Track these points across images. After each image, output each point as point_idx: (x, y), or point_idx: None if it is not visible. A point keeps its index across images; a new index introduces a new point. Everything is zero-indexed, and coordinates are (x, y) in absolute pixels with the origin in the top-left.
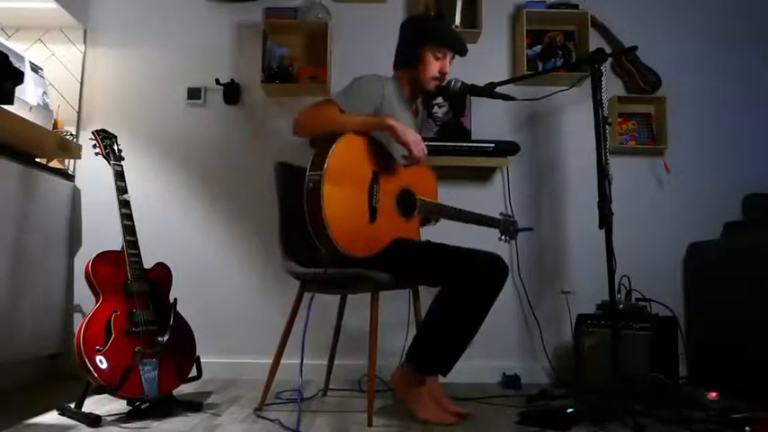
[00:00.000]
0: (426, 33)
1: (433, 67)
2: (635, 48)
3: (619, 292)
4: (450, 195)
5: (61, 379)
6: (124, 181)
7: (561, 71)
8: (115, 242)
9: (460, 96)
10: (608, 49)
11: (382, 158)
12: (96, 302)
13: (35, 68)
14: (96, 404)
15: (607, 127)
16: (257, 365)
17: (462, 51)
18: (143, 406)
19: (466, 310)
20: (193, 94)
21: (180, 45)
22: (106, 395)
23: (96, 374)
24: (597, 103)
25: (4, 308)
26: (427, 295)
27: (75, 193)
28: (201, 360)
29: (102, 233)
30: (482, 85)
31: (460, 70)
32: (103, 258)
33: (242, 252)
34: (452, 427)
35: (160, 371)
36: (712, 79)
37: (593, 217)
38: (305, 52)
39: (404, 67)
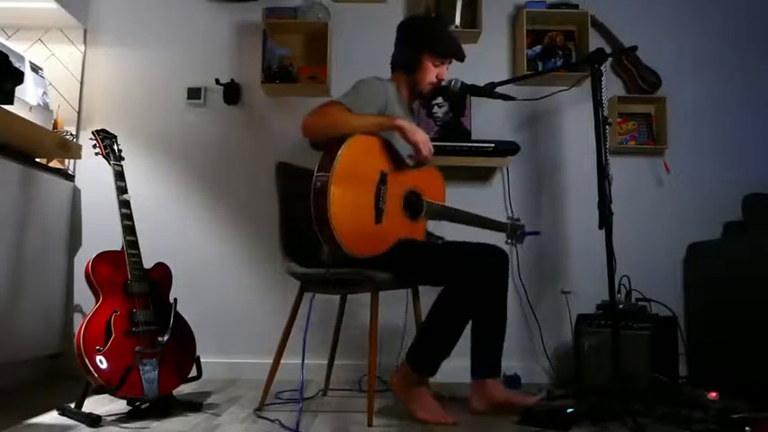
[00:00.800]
0: (425, 40)
1: (432, 74)
2: (635, 48)
3: (619, 292)
4: (451, 195)
5: (61, 379)
6: (124, 181)
7: (561, 71)
8: (115, 242)
9: (460, 96)
10: (608, 49)
11: (391, 159)
12: (96, 302)
13: (35, 68)
14: (96, 404)
15: (607, 127)
16: (257, 365)
17: (461, 58)
18: (143, 406)
19: (466, 309)
20: (193, 94)
21: (180, 45)
22: (106, 395)
23: (96, 374)
24: (597, 103)
25: (4, 308)
26: (427, 295)
27: (75, 193)
28: (201, 360)
29: (102, 233)
30: (482, 85)
31: (460, 70)
32: (103, 258)
33: (242, 252)
34: (452, 428)
35: (160, 371)
36: (712, 79)
37: (593, 217)
38: (305, 52)
39: (402, 71)
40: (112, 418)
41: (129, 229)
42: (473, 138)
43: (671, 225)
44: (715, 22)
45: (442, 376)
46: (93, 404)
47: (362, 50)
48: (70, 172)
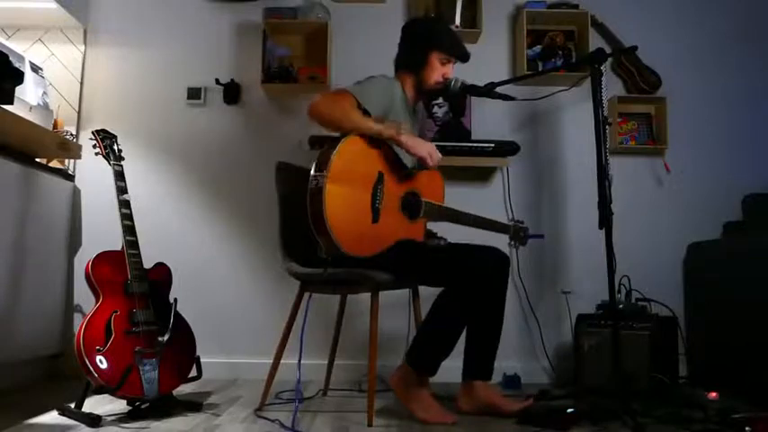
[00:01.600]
0: (433, 38)
1: (438, 73)
2: (635, 48)
3: (619, 291)
4: (451, 195)
5: (61, 379)
6: (124, 181)
7: (561, 71)
8: (115, 242)
9: (460, 96)
10: (608, 49)
11: (388, 159)
12: (96, 302)
13: (35, 68)
14: (96, 404)
15: (607, 127)
16: (257, 365)
17: (466, 59)
18: (143, 406)
19: (466, 310)
20: (193, 94)
21: (180, 45)
22: (106, 395)
23: (96, 374)
24: (597, 103)
25: (4, 308)
26: (427, 295)
27: (75, 193)
28: (201, 360)
29: (102, 233)
30: (482, 85)
31: (461, 70)
32: (103, 258)
33: (242, 252)
34: (452, 427)
35: (160, 371)
36: (712, 79)
37: (593, 217)
38: (305, 52)
39: (407, 70)
40: (112, 418)
41: (129, 229)
42: (473, 138)
43: (671, 225)
44: (715, 21)
45: (445, 376)
46: (93, 404)
47: (362, 50)
48: (70, 172)
